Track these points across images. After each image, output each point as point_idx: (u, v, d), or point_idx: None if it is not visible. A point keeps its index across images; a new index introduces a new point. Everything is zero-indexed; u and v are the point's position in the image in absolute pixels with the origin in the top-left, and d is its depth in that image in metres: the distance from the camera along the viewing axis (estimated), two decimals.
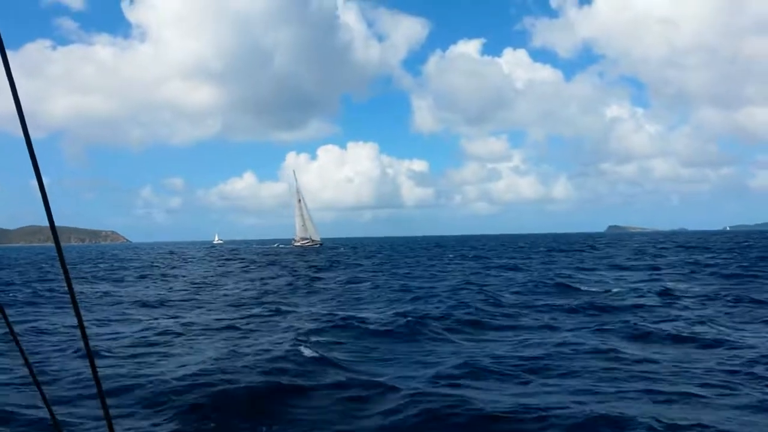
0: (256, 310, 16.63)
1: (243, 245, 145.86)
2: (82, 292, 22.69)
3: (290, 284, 25.69)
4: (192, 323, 14.48)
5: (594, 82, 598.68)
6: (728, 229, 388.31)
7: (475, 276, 27.74)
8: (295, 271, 35.26)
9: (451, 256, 53.28)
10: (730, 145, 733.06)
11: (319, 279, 28.71)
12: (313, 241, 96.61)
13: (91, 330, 13.24)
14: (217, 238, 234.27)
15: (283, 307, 16.88)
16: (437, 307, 15.86)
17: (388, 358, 10.32)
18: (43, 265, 49.78)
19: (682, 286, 21.20)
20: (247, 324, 14.18)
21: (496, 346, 10.88)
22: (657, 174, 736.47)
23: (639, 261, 37.93)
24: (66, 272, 1.72)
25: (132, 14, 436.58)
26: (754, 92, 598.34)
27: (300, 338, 11.20)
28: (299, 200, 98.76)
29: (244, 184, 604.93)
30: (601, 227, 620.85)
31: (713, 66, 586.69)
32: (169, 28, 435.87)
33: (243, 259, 56.73)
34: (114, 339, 12.41)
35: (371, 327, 12.92)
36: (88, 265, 48.76)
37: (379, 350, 10.92)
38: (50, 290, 23.37)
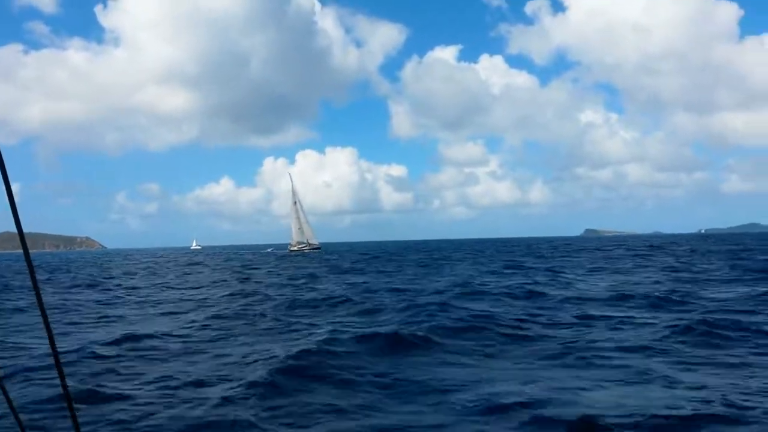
0: None
1: (230, 250, 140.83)
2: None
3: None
4: None
5: (569, 88, 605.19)
6: (703, 232, 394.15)
7: None
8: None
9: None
10: (702, 150, 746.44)
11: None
12: (310, 245, 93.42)
13: None
14: (195, 244, 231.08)
15: None
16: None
17: None
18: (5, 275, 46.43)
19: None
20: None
21: None
22: (632, 178, 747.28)
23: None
24: (34, 279, 1.74)
25: (106, 19, 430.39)
26: (725, 98, 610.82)
27: None
28: (295, 203, 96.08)
29: (221, 189, 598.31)
30: (577, 231, 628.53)
31: (685, 72, 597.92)
32: (143, 32, 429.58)
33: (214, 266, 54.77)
34: None
35: None
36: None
37: None
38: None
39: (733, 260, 36.60)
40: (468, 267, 38.20)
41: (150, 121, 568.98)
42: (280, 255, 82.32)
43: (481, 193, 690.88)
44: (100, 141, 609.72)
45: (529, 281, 24.46)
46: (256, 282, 30.47)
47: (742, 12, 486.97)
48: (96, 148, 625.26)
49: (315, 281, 29.24)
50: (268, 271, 41.13)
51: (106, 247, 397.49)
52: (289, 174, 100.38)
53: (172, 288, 28.39)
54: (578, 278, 26.21)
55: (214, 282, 31.56)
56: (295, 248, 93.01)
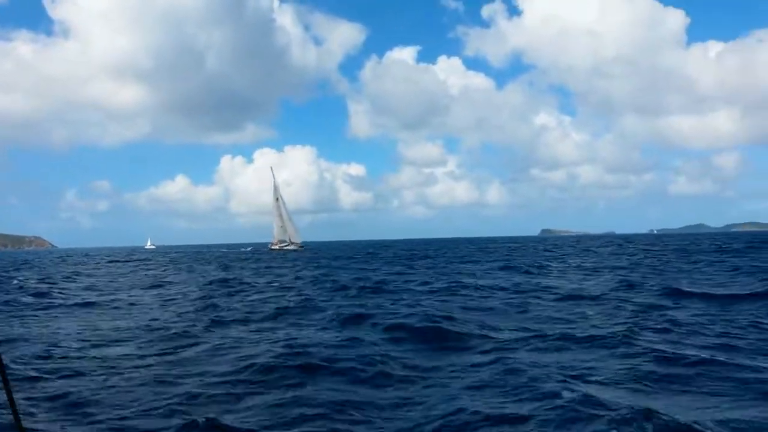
0: None
1: (198, 250, 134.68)
2: None
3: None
4: None
5: (524, 91, 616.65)
6: (655, 232, 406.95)
7: None
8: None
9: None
10: (651, 152, 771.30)
11: None
12: (293, 244, 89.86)
13: None
14: (149, 243, 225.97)
15: None
16: None
17: None
18: None
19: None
20: None
21: None
22: (584, 180, 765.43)
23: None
24: None
25: (55, 10, 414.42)
26: (672, 102, 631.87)
27: None
28: (277, 199, 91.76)
29: (177, 187, 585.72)
30: (534, 231, 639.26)
31: (635, 76, 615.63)
32: (95, 24, 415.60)
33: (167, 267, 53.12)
34: None
35: None
36: None
37: None
38: None
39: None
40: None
41: (101, 116, 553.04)
42: (269, 254, 78.25)
43: (439, 193, 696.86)
44: (49, 136, 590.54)
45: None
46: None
47: (689, 20, 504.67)
48: (44, 144, 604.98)
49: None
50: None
51: (56, 247, 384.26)
52: (271, 168, 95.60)
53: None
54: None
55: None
56: (276, 247, 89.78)
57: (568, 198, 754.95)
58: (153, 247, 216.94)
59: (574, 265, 35.38)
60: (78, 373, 9.21)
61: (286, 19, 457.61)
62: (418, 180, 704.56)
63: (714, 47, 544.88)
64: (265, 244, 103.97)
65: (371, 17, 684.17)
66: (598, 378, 8.16)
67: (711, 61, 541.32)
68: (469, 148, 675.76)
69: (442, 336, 11.70)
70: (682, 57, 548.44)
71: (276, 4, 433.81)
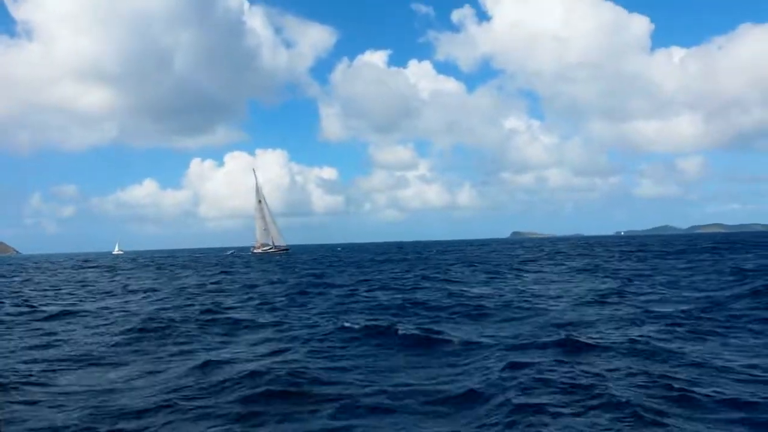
0: None
1: (179, 255, 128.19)
2: None
3: None
4: None
5: (494, 95, 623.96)
6: (622, 233, 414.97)
7: None
8: None
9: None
10: (617, 156, 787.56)
11: None
12: (276, 247, 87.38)
13: None
14: (117, 249, 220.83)
15: None
16: None
17: None
18: None
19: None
20: None
21: None
22: (552, 183, 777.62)
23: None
24: None
25: (18, 11, 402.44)
26: (637, 106, 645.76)
27: None
28: (260, 201, 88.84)
29: (144, 191, 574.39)
30: (505, 233, 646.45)
31: (600, 81, 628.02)
32: (59, 26, 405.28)
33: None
34: None
35: None
36: None
37: None
38: None
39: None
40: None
41: (67, 119, 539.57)
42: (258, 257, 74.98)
43: (411, 197, 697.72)
44: (11, 139, 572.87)
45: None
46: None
47: (653, 26, 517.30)
48: (7, 147, 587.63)
49: None
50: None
51: (20, 253, 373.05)
52: (254, 170, 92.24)
53: None
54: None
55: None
56: (259, 250, 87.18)
57: (537, 200, 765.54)
58: (121, 252, 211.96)
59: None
60: None
61: (256, 22, 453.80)
62: (390, 183, 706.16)
63: (677, 53, 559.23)
64: (242, 248, 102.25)
65: (342, 20, 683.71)
66: None
67: (674, 66, 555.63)
68: (440, 152, 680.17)
69: None
70: (646, 62, 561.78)
71: (246, 6, 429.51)
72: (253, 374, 8.78)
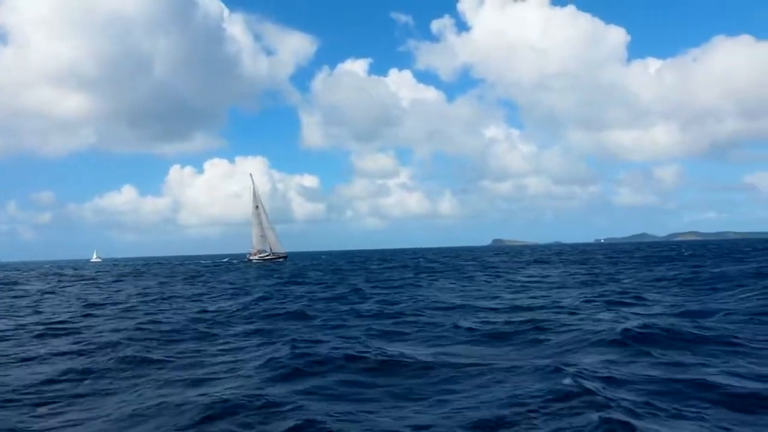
0: None
1: (165, 262, 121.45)
2: None
3: None
4: None
5: (474, 104, 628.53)
6: (603, 241, 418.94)
7: None
8: None
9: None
10: (595, 165, 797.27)
11: None
12: (274, 254, 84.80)
13: None
14: (95, 256, 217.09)
15: None
16: None
17: None
18: None
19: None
20: None
21: None
22: (531, 191, 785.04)
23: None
24: None
25: None
26: (614, 116, 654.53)
27: None
28: (257, 206, 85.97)
29: (123, 198, 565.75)
30: (486, 241, 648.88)
31: (578, 91, 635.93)
32: (35, 30, 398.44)
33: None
34: None
35: None
36: None
37: None
38: None
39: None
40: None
41: (43, 125, 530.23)
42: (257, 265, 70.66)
43: (392, 204, 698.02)
44: None
45: None
46: None
47: (629, 37, 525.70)
48: None
49: None
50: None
51: None
52: (250, 175, 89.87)
53: None
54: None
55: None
56: (256, 257, 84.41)
57: (517, 208, 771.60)
58: (99, 260, 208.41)
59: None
60: None
61: (236, 29, 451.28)
62: (371, 191, 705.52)
63: (653, 64, 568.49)
64: (235, 255, 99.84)
65: (323, 29, 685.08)
66: None
67: (651, 77, 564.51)
68: (420, 160, 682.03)
69: None
70: (623, 73, 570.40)
71: (226, 13, 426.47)
72: None
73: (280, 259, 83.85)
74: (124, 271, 66.94)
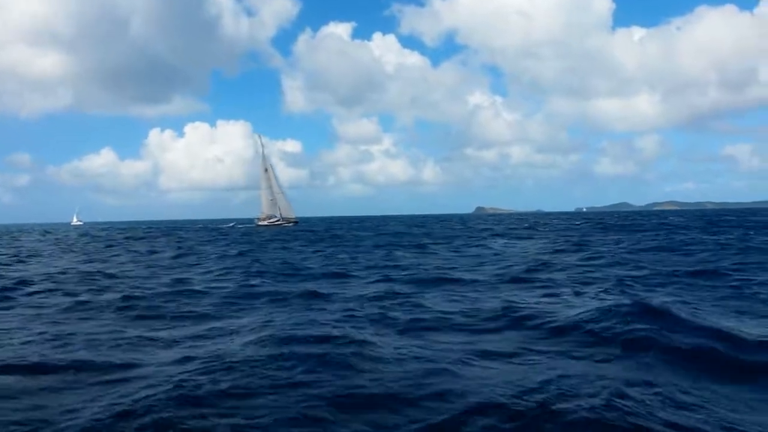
0: None
1: (160, 226, 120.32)
2: None
3: None
4: None
5: (458, 70, 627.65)
6: (584, 210, 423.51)
7: None
8: None
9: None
10: (578, 133, 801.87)
11: None
12: (284, 219, 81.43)
13: None
14: (76, 219, 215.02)
15: None
16: None
17: None
18: None
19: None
20: None
21: None
22: (514, 159, 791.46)
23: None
24: None
25: None
26: (598, 85, 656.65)
27: None
28: (266, 169, 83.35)
29: (102, 161, 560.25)
30: (470, 208, 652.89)
31: (562, 59, 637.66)
32: None
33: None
34: None
35: None
36: None
37: None
38: None
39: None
40: None
41: (18, 85, 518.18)
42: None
43: (376, 171, 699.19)
44: None
45: None
46: None
47: (614, 5, 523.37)
48: None
49: None
50: None
51: None
52: (259, 136, 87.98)
53: None
54: None
55: None
56: (264, 223, 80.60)
57: (500, 176, 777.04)
58: (80, 223, 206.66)
59: None
60: None
61: None
62: (355, 157, 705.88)
63: (637, 32, 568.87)
64: (240, 219, 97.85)
65: None
66: None
67: (634, 45, 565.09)
68: (404, 126, 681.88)
69: None
70: (607, 41, 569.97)
71: None
72: None
73: (290, 224, 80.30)
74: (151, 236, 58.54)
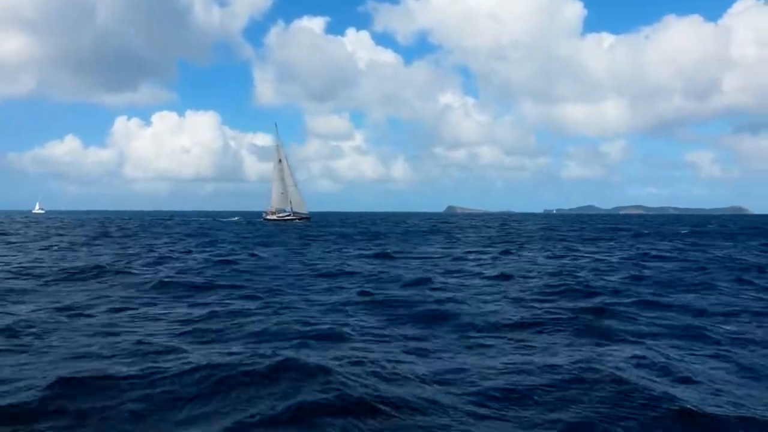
0: None
1: (156, 217, 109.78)
2: None
3: None
4: None
5: (430, 69, 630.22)
6: (554, 211, 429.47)
7: None
8: None
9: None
10: (545, 137, 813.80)
11: None
12: (296, 214, 76.20)
13: None
14: (38, 207, 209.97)
15: None
16: None
17: None
18: None
19: None
20: None
21: None
22: (484, 160, 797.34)
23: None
24: None
25: None
26: (566, 89, 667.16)
27: None
28: (280, 160, 77.61)
29: (65, 148, 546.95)
30: (441, 207, 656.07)
31: (532, 62, 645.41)
32: None
33: None
34: None
35: None
36: None
37: None
38: None
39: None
40: None
41: None
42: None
43: (346, 167, 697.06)
44: None
45: None
46: None
47: (585, 11, 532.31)
48: None
49: None
50: None
51: None
52: (275, 124, 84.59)
53: None
54: None
55: None
56: (273, 217, 76.28)
57: (469, 177, 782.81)
58: (42, 211, 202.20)
59: None
60: None
61: None
62: (325, 153, 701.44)
63: (607, 39, 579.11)
64: (245, 213, 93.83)
65: None
66: None
67: (604, 52, 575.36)
68: (375, 123, 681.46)
69: None
70: (577, 46, 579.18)
71: None
72: None
73: (300, 221, 74.75)
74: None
